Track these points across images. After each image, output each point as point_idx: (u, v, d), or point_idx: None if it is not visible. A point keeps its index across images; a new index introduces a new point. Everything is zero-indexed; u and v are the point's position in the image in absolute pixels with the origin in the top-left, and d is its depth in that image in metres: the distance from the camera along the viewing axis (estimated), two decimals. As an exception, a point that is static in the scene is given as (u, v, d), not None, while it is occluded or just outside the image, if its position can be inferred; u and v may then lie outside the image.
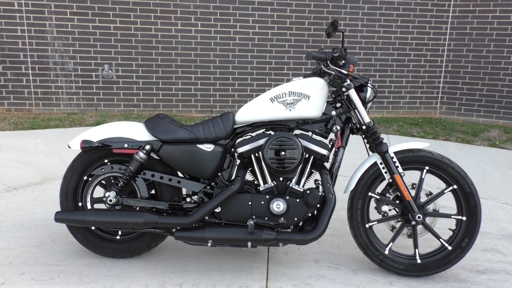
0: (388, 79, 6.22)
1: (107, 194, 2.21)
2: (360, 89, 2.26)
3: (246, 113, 2.24)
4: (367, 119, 2.22)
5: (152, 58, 5.70)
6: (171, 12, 5.61)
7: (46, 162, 4.03)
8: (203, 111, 5.95)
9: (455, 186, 2.23)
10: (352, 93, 2.21)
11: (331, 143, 2.32)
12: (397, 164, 2.23)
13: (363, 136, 2.30)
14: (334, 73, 2.18)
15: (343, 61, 2.18)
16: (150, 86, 5.79)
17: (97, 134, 2.24)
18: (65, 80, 5.60)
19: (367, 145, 2.34)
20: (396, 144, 2.29)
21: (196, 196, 2.31)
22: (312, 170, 2.30)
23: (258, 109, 2.22)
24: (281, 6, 5.77)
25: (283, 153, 2.13)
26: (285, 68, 5.97)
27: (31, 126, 4.97)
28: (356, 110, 2.23)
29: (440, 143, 4.99)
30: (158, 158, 2.24)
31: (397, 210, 2.33)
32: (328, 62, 2.16)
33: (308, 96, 2.19)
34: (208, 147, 2.21)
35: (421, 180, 2.27)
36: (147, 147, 2.17)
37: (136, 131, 2.25)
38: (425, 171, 2.26)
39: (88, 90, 5.67)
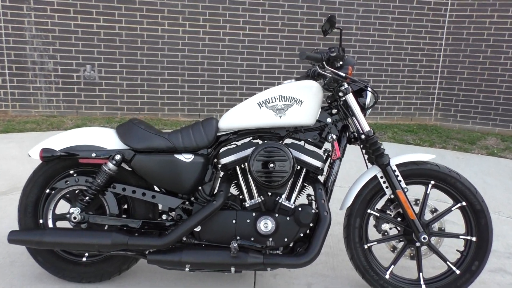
0: (383, 84, 6.02)
1: (71, 211, 1.94)
2: (359, 94, 2.02)
3: (231, 120, 1.99)
4: (366, 127, 1.98)
5: (137, 59, 5.42)
6: (157, 11, 5.35)
7: (17, 169, 3.73)
8: (190, 115, 5.69)
9: (464, 203, 2.00)
10: (350, 98, 1.97)
11: (326, 154, 2.07)
12: (400, 178, 1.99)
13: (362, 146, 2.06)
14: (330, 75, 1.94)
15: (341, 62, 1.94)
16: (135, 88, 5.52)
17: (61, 141, 1.96)
18: (44, 81, 5.30)
19: (366, 156, 2.10)
20: (398, 155, 2.05)
21: (173, 213, 2.04)
22: (305, 184, 2.05)
23: (244, 115, 1.97)
24: (273, 7, 5.55)
25: (271, 165, 1.88)
26: (276, 72, 5.74)
27: (5, 130, 4.66)
28: (354, 117, 1.99)
29: (437, 151, 4.78)
30: (130, 169, 1.97)
31: (399, 229, 2.09)
32: (324, 63, 1.92)
33: (301, 101, 1.94)
34: (187, 158, 1.95)
35: (426, 195, 2.04)
36: (117, 157, 1.90)
37: (106, 138, 1.98)
38: (430, 185, 2.02)
39: (69, 91, 5.38)
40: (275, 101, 1.94)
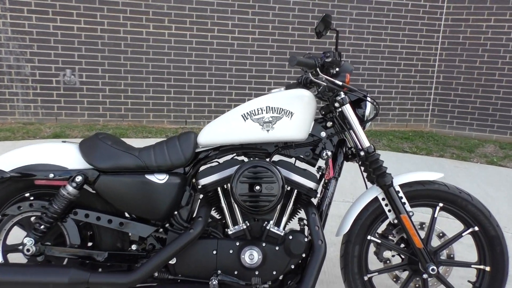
0: (377, 90, 5.81)
1: (24, 241, 1.67)
2: (357, 105, 1.78)
3: (212, 134, 1.73)
4: (366, 143, 1.74)
5: (120, 63, 5.15)
6: (142, 13, 5.08)
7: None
8: (177, 122, 5.43)
9: (476, 228, 1.77)
10: (348, 109, 1.73)
11: (319, 173, 1.83)
12: (404, 199, 1.75)
13: (360, 163, 1.82)
14: (325, 83, 1.69)
15: (337, 69, 1.70)
16: (118, 94, 5.24)
17: (14, 159, 1.69)
18: (21, 86, 5.00)
19: (365, 175, 1.85)
20: (401, 174, 1.81)
21: (145, 242, 1.77)
22: (297, 207, 1.80)
23: (227, 128, 1.71)
24: (263, 10, 5.32)
25: (258, 187, 1.63)
26: (267, 77, 5.51)
27: (-24, 138, 4.35)
28: (352, 131, 1.75)
29: (434, 160, 4.57)
30: (94, 192, 1.71)
31: (403, 256, 1.85)
32: (318, 69, 1.67)
33: (291, 113, 1.69)
34: (160, 178, 1.69)
35: (434, 219, 1.80)
36: (78, 178, 1.63)
37: (66, 156, 1.71)
38: (438, 208, 1.79)
39: (48, 97, 5.08)
40: (262, 113, 1.69)
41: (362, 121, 1.76)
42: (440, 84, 5.90)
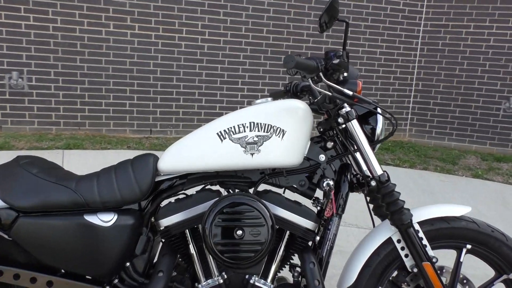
0: (356, 97, 5.52)
1: None
2: (364, 120, 1.40)
3: (178, 157, 1.30)
4: (378, 169, 1.35)
5: (76, 65, 4.60)
6: (101, 10, 4.57)
7: None
8: (141, 131, 4.94)
9: (511, 276, 1.41)
10: (355, 126, 1.34)
11: (317, 207, 1.43)
12: (425, 241, 1.38)
13: (369, 195, 1.43)
14: (330, 93, 1.30)
15: (345, 74, 1.31)
16: (73, 100, 4.69)
17: None
18: (-42, 90, 4.37)
19: (372, 207, 1.47)
20: (419, 208, 1.44)
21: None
22: (289, 252, 1.39)
23: (197, 151, 1.29)
24: (236, 10, 4.93)
25: (239, 232, 1.21)
26: (240, 82, 5.11)
27: None
28: (359, 154, 1.36)
29: (419, 173, 4.30)
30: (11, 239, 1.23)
31: (420, 311, 1.47)
32: (321, 74, 1.27)
33: (282, 131, 1.29)
34: (106, 219, 1.24)
35: (459, 264, 1.44)
36: (-15, 223, 1.16)
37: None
38: (465, 250, 1.42)
39: (-10, 103, 4.46)
40: (245, 131, 1.28)
41: (372, 141, 1.37)
42: (419, 93, 5.69)
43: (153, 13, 4.70)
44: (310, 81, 1.29)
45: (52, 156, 3.95)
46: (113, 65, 4.70)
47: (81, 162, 3.90)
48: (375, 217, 1.46)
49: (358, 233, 2.75)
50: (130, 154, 4.21)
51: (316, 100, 1.38)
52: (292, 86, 1.53)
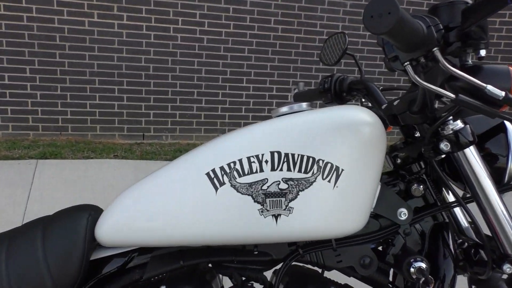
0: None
1: None
2: (478, 145, 0.76)
3: (131, 221, 0.66)
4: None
5: (55, 61, 4.10)
6: (83, -3, 4.02)
7: None
8: (131, 136, 4.41)
9: None
10: (471, 157, 0.70)
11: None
12: None
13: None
14: (456, 94, 0.65)
15: (482, 52, 0.68)
16: (54, 101, 4.20)
17: None
18: None
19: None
20: None
21: None
22: None
23: (169, 209, 0.65)
24: (239, -2, 4.38)
25: None
26: (244, 80, 4.60)
27: None
28: (479, 208, 0.72)
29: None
30: None
31: None
32: (438, 50, 0.64)
33: (336, 170, 0.66)
34: None
35: None
36: None
37: None
38: None
39: (-44, 105, 3.92)
40: (262, 170, 0.65)
41: (500, 182, 0.73)
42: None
43: (144, 1, 4.22)
44: (410, 68, 0.66)
45: (22, 168, 3.36)
46: (98, 61, 4.23)
47: (56, 175, 3.29)
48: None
49: None
50: (115, 165, 3.61)
51: (417, 108, 0.73)
52: (334, 81, 0.91)
